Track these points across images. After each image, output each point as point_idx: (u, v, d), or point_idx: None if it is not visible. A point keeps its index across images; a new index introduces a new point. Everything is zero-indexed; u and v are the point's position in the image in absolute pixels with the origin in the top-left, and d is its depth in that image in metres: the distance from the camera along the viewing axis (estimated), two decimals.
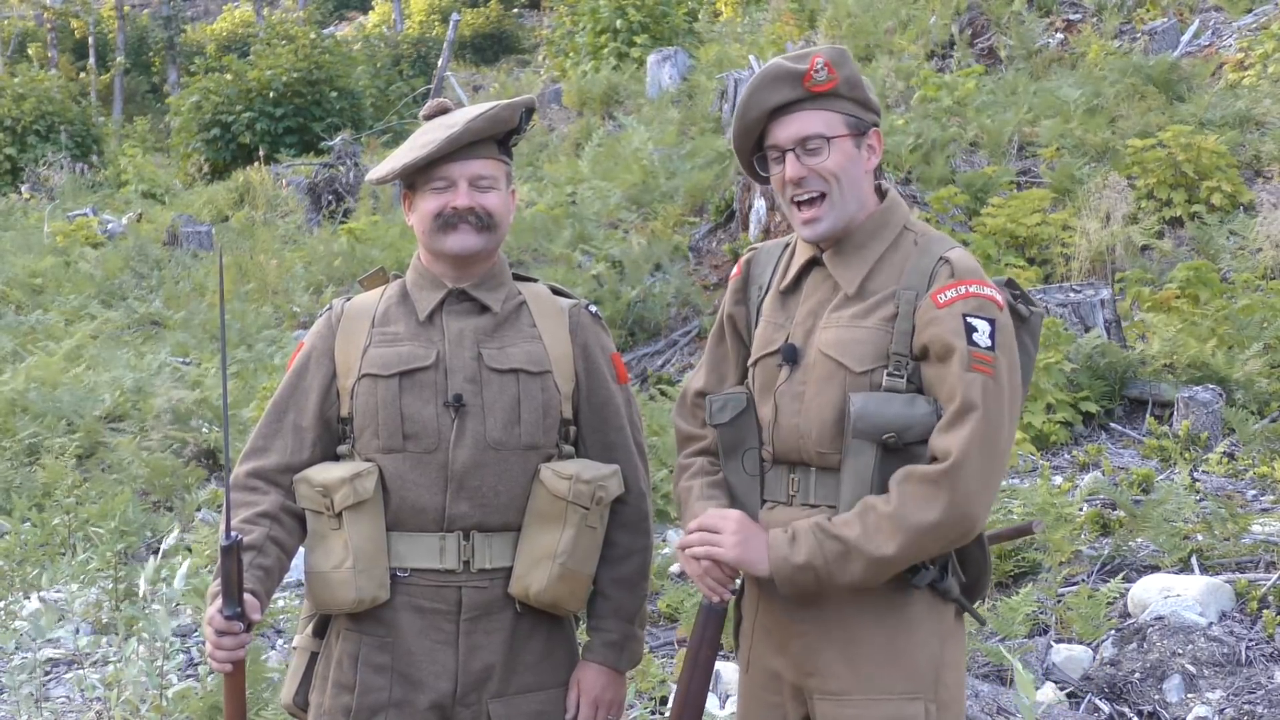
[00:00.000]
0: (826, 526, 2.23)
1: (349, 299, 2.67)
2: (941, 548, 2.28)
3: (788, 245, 2.53)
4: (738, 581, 2.38)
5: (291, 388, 2.58)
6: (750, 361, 2.48)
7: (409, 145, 2.58)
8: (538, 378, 2.54)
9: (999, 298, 2.32)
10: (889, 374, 2.29)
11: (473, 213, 2.52)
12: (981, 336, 2.24)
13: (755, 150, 2.44)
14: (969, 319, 2.25)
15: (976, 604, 2.46)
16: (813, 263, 2.43)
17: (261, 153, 19.48)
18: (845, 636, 2.32)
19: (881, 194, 2.44)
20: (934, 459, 2.21)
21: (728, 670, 4.41)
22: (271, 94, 20.82)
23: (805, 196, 2.36)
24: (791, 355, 2.37)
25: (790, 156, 2.36)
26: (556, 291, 2.69)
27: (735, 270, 2.59)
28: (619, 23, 18.48)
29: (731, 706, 3.89)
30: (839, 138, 2.35)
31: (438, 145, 2.48)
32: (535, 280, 2.71)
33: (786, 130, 2.36)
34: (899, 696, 2.30)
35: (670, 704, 2.50)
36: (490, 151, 2.56)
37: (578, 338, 2.62)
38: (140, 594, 4.19)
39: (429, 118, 2.62)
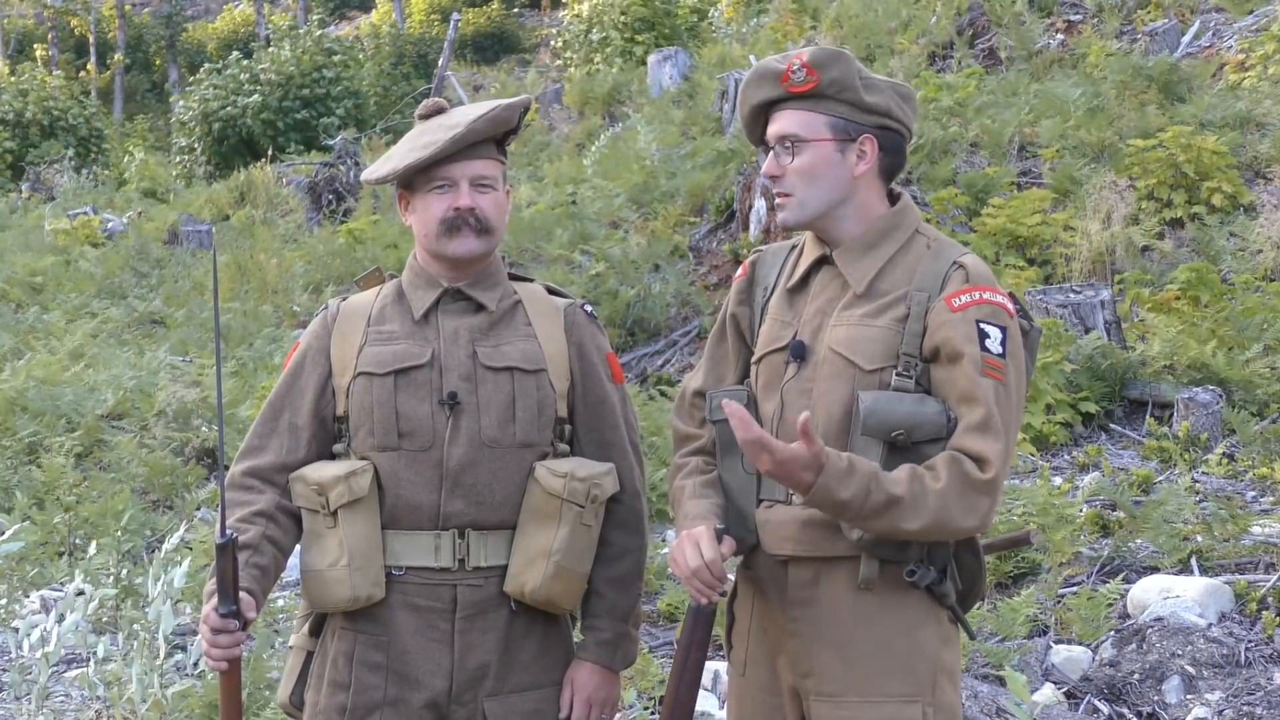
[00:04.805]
0: (881, 479, 2.18)
1: (345, 299, 2.67)
2: (947, 542, 2.30)
3: (795, 246, 2.54)
4: (726, 586, 2.37)
5: (287, 387, 2.58)
6: (754, 359, 2.48)
7: (408, 145, 2.56)
8: (533, 376, 2.54)
9: (1010, 306, 2.33)
10: (898, 374, 2.29)
11: (474, 215, 2.52)
12: (994, 343, 2.25)
13: (762, 141, 2.48)
14: (982, 325, 2.26)
15: (968, 613, 2.45)
16: (821, 261, 2.44)
17: (270, 152, 19.46)
18: (842, 637, 2.31)
19: (895, 198, 2.44)
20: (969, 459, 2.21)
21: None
22: (275, 78, 20.83)
23: (777, 192, 2.41)
24: (800, 352, 2.37)
25: (771, 154, 2.41)
26: (552, 291, 2.69)
27: (740, 270, 2.59)
28: (622, 18, 18.56)
29: None
30: (816, 140, 2.36)
31: (441, 146, 2.48)
32: (531, 280, 2.71)
33: (773, 127, 2.42)
34: (897, 699, 2.29)
35: (661, 707, 2.50)
36: (490, 151, 2.56)
37: (573, 337, 2.62)
38: (150, 595, 4.19)
39: (425, 117, 2.62)
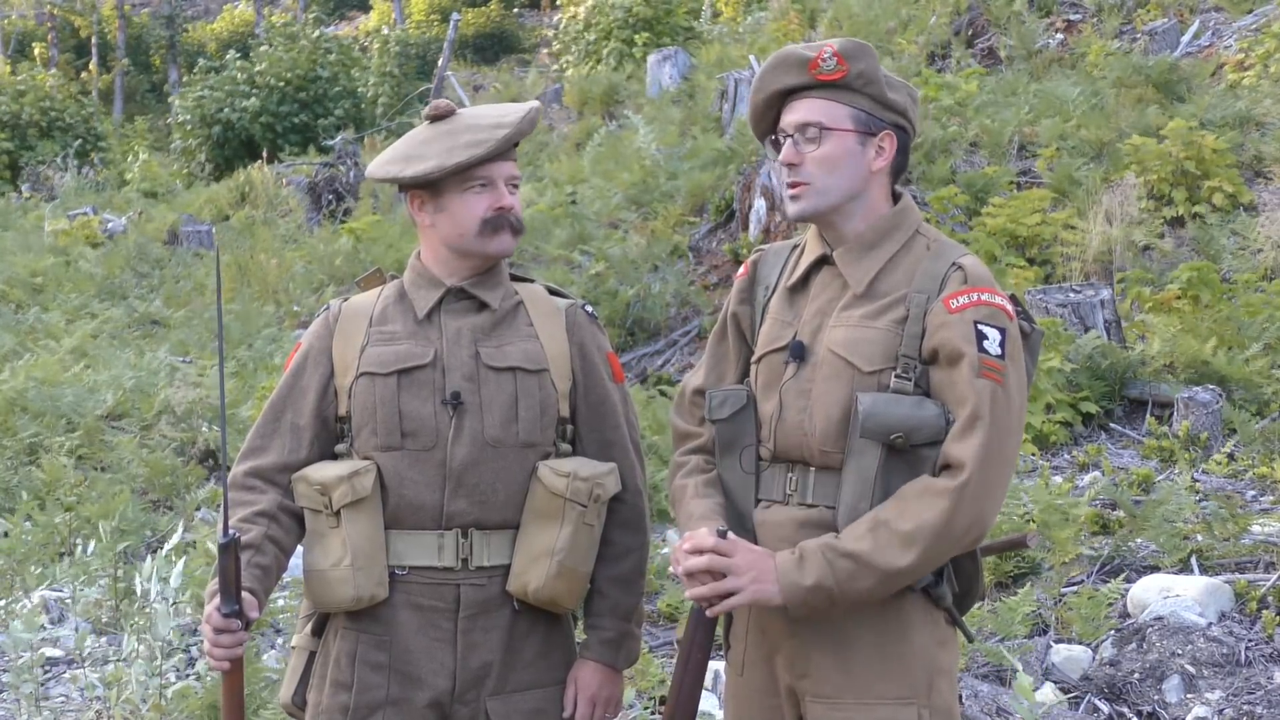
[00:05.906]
0: (835, 544, 2.21)
1: (346, 299, 2.68)
2: (953, 554, 2.28)
3: (796, 246, 2.53)
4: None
5: (289, 387, 2.59)
6: (754, 359, 2.47)
7: (442, 144, 2.53)
8: (535, 376, 2.55)
9: (1009, 308, 2.32)
10: (897, 376, 2.29)
11: (513, 214, 2.55)
12: (992, 345, 2.25)
13: (771, 132, 2.45)
14: (980, 326, 2.25)
15: (965, 615, 2.45)
16: (822, 261, 2.43)
17: (265, 153, 19.44)
18: (838, 639, 2.31)
19: (895, 198, 2.44)
20: (947, 466, 2.22)
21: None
22: (272, 81, 20.80)
23: (792, 180, 2.38)
24: (799, 352, 2.37)
25: (789, 141, 2.38)
26: (553, 292, 2.70)
27: (742, 270, 2.59)
28: (619, 14, 18.57)
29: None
30: (840, 131, 2.35)
31: (493, 145, 2.49)
32: (532, 280, 2.71)
33: (791, 115, 2.39)
34: (892, 702, 2.29)
35: (663, 707, 2.50)
36: (514, 153, 2.59)
37: (574, 337, 2.62)
38: (139, 592, 4.20)
39: (435, 119, 2.60)
